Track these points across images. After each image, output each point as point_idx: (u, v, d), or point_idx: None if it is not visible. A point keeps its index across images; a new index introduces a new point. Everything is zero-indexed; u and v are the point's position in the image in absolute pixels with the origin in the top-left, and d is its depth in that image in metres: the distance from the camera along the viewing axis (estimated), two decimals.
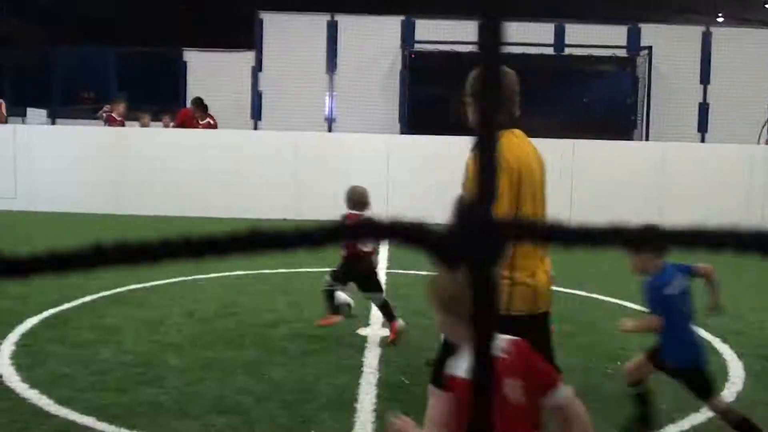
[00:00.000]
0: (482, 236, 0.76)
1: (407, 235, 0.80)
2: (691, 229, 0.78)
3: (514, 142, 4.31)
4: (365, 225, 0.82)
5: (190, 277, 10.19)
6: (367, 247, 7.97)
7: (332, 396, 6.03)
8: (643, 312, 5.50)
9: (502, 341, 2.96)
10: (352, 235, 0.84)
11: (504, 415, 2.83)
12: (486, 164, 0.78)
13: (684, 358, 5.29)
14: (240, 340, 7.49)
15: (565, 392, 3.07)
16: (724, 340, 7.90)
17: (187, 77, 20.83)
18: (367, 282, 8.05)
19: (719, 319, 8.78)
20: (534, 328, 4.11)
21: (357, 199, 8.12)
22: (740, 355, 7.42)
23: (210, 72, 20.47)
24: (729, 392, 6.41)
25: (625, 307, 9.31)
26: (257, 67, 20.39)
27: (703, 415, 5.88)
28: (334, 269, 7.95)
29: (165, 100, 21.39)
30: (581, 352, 7.43)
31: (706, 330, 8.26)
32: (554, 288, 10.25)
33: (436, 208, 18.06)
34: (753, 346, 7.79)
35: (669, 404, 6.06)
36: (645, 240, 0.82)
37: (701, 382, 5.26)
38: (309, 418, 5.63)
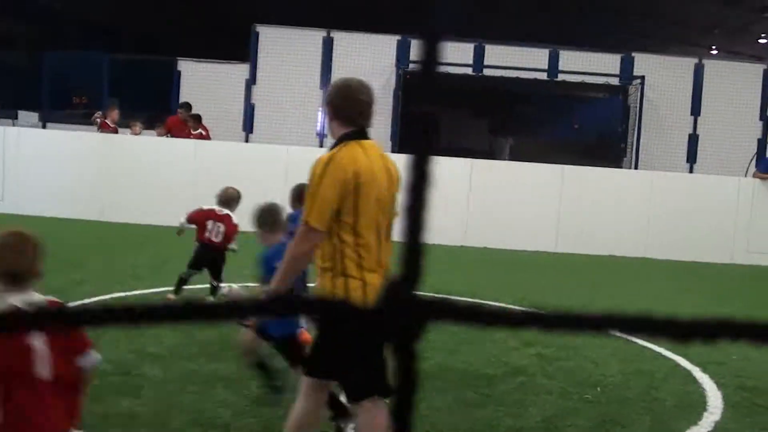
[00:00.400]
0: (404, 318, 0.77)
1: (333, 312, 0.81)
2: (596, 314, 0.80)
3: (357, 152, 4.44)
4: (291, 300, 0.84)
5: (172, 288, 10.15)
6: (217, 238, 9.51)
7: None
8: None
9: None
10: (276, 311, 0.84)
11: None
12: (412, 243, 0.79)
13: (284, 328, 5.87)
14: (221, 354, 7.45)
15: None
16: (704, 370, 7.91)
17: (181, 86, 20.84)
18: (213, 269, 9.55)
19: (700, 349, 8.81)
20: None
21: (225, 198, 9.80)
22: (720, 386, 7.43)
23: (203, 82, 20.48)
24: (707, 422, 6.42)
25: (608, 333, 9.30)
26: (251, 80, 20.42)
27: None
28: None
29: (157, 108, 21.39)
30: (562, 376, 7.44)
31: (687, 359, 8.28)
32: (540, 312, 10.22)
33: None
34: (733, 377, 7.80)
35: None
36: (557, 325, 0.83)
37: (295, 349, 5.76)
38: None
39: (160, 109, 20.96)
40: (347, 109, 4.57)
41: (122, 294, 9.65)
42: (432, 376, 6.96)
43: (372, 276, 4.33)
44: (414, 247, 0.78)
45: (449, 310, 0.79)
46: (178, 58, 21.09)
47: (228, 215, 9.61)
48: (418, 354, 0.79)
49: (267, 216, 6.22)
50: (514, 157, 20.42)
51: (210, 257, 9.53)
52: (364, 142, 4.55)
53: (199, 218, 9.59)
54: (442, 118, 20.17)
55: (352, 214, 4.34)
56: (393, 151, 18.95)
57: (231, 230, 9.53)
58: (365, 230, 4.37)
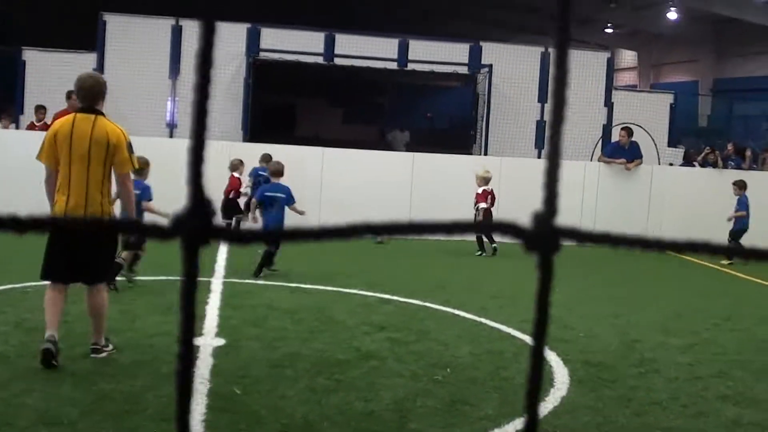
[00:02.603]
0: None
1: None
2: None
3: (67, 120, 7.03)
4: None
5: (19, 285, 9.83)
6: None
7: (160, 407, 5.92)
8: None
9: None
10: None
11: None
12: None
13: None
14: (68, 351, 7.24)
15: None
16: (552, 348, 8.16)
17: (26, 77, 20.12)
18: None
19: (548, 328, 9.08)
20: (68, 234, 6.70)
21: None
22: (566, 362, 7.69)
23: (50, 72, 19.79)
24: (554, 397, 6.64)
25: (458, 316, 9.50)
26: (99, 69, 19.84)
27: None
28: None
29: (2, 99, 20.65)
30: (412, 359, 7.56)
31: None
32: (389, 297, 10.34)
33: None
34: (578, 353, 8.09)
35: (494, 409, 6.23)
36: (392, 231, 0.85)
37: None
38: (136, 429, 5.54)
39: (5, 100, 20.22)
40: (76, 92, 7.20)
41: None
42: (282, 366, 6.97)
43: (62, 197, 6.90)
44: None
45: None
46: (23, 47, 20.33)
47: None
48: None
49: None
50: (383, 147, 20.55)
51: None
52: (83, 114, 6.96)
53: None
54: (295, 106, 20.15)
55: (56, 156, 6.93)
56: (244, 140, 18.79)
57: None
58: (62, 168, 6.91)
